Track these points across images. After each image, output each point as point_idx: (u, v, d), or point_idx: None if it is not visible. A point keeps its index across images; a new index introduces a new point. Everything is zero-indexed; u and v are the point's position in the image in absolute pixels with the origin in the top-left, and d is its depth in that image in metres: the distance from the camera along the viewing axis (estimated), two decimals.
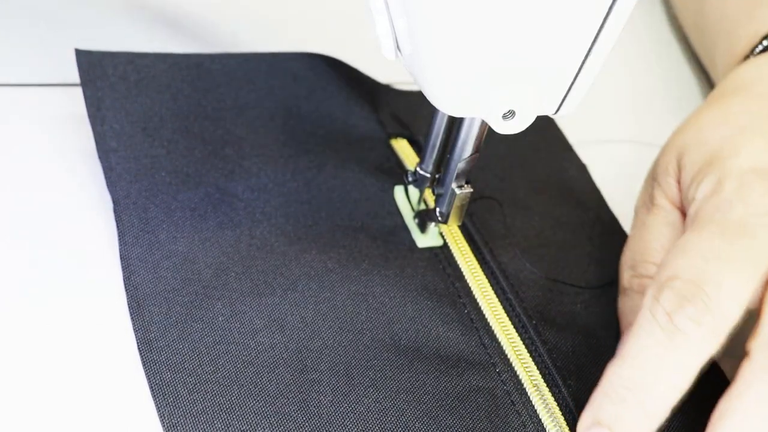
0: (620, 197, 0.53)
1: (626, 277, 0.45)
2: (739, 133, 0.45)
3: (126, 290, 0.41)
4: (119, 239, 0.43)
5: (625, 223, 0.51)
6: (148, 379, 0.38)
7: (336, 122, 0.51)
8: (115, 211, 0.44)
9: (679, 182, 0.46)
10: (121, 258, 0.42)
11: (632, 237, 0.47)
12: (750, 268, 0.39)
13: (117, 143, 0.46)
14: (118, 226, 0.43)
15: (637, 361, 0.38)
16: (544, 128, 0.55)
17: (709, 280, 0.38)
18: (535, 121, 0.39)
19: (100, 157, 0.45)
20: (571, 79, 0.38)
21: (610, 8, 0.35)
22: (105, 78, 0.48)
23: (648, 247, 0.45)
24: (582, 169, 0.55)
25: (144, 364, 0.38)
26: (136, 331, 0.39)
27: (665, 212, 0.46)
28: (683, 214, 0.45)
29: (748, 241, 0.40)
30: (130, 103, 0.48)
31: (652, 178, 0.48)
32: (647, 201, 0.47)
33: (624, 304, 0.45)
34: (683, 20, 0.68)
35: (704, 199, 0.43)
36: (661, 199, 0.46)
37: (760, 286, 0.40)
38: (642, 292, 0.44)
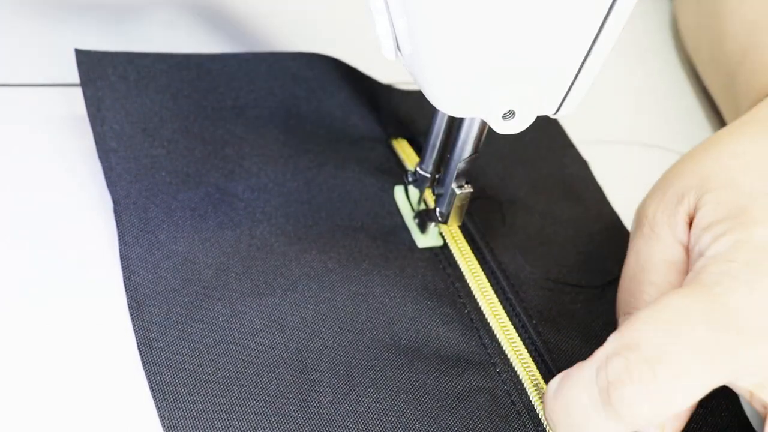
0: (621, 198, 0.53)
1: (621, 323, 0.41)
2: None
3: (126, 290, 0.41)
4: (119, 239, 0.43)
5: (627, 221, 0.51)
6: (148, 379, 0.38)
7: (336, 122, 0.51)
8: (115, 211, 0.44)
9: (691, 218, 0.40)
10: (121, 258, 0.42)
11: (627, 265, 0.42)
12: (718, 370, 0.34)
13: (117, 143, 0.46)
14: (118, 226, 0.43)
15: (566, 402, 0.36)
16: (546, 126, 0.55)
17: (668, 366, 0.34)
18: (536, 119, 0.39)
19: (100, 157, 0.45)
20: (571, 79, 0.38)
21: (610, 8, 0.35)
22: (105, 78, 0.48)
23: (639, 289, 0.40)
24: (583, 165, 0.54)
25: (144, 364, 0.38)
26: (136, 331, 0.39)
27: (663, 246, 0.40)
28: (685, 250, 0.40)
29: (733, 337, 0.34)
30: (130, 103, 0.48)
31: (659, 198, 0.42)
32: (644, 222, 0.42)
33: None
34: (693, 52, 0.64)
35: (712, 260, 0.37)
36: (662, 229, 0.41)
37: (719, 384, 0.35)
38: None
